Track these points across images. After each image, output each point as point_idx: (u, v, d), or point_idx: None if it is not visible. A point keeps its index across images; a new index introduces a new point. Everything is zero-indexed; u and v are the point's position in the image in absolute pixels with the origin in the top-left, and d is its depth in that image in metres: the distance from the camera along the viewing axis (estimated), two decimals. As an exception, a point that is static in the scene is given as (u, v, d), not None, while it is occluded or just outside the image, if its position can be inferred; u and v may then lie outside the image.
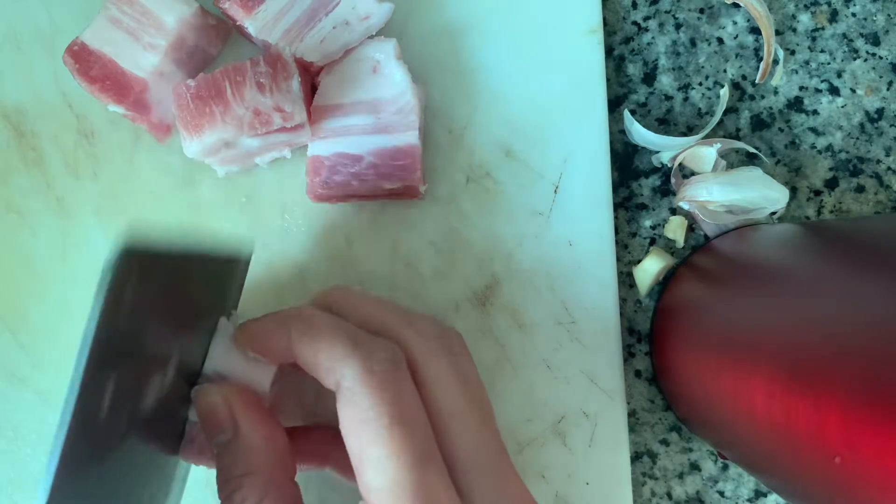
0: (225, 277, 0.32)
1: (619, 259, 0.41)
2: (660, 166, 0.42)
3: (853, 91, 0.41)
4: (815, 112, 0.41)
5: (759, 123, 0.42)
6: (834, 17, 0.42)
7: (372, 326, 0.29)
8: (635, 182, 0.42)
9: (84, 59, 0.36)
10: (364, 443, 0.26)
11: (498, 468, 0.28)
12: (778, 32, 0.42)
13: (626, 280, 0.42)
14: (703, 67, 0.42)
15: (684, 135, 0.41)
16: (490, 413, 0.29)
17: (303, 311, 0.30)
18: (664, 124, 0.42)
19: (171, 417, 0.30)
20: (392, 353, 0.28)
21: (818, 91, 0.42)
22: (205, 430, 0.29)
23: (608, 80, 0.41)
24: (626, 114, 0.40)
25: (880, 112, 0.41)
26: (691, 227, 0.41)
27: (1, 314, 0.40)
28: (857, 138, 0.41)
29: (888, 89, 0.41)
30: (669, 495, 0.41)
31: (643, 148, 0.42)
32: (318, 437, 0.34)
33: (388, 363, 0.27)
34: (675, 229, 0.41)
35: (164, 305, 0.26)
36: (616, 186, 0.42)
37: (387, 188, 0.37)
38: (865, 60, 0.41)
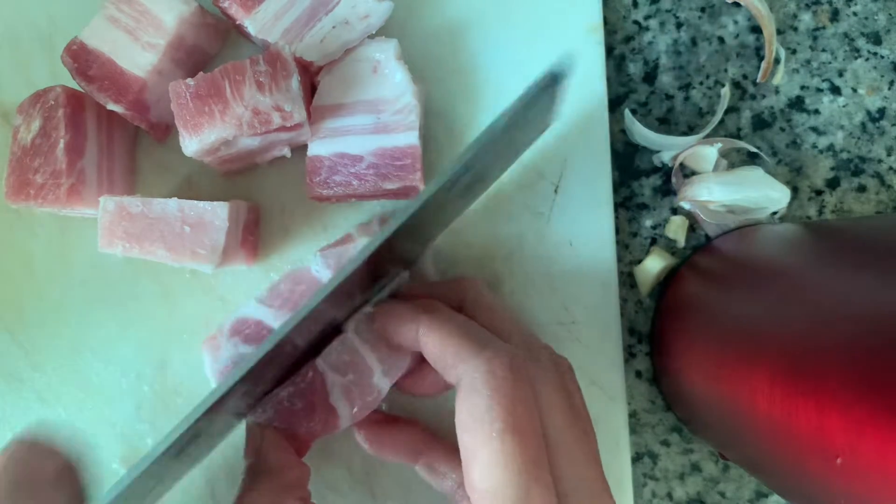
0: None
1: (619, 259, 0.41)
2: (660, 166, 0.42)
3: (854, 90, 0.41)
4: (816, 111, 0.41)
5: (760, 123, 0.41)
6: (835, 16, 0.42)
7: (495, 332, 0.31)
8: (636, 182, 0.42)
9: (83, 59, 0.35)
10: (476, 442, 0.26)
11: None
12: (779, 31, 0.42)
13: (626, 280, 0.41)
14: (703, 67, 0.42)
15: (685, 134, 0.41)
16: (596, 450, 0.29)
17: (434, 303, 0.32)
18: (665, 124, 0.42)
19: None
20: (518, 361, 0.28)
21: (819, 90, 0.41)
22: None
23: (609, 79, 0.41)
24: (627, 113, 0.40)
25: (882, 111, 0.41)
26: (692, 227, 0.41)
27: (0, 314, 0.40)
28: (859, 138, 0.41)
29: (889, 89, 0.41)
30: (670, 496, 0.41)
31: (644, 147, 0.42)
32: (414, 435, 0.36)
33: (513, 370, 0.27)
34: (676, 229, 0.41)
35: None
36: (617, 186, 0.41)
37: (387, 188, 0.37)
38: (867, 60, 0.41)
